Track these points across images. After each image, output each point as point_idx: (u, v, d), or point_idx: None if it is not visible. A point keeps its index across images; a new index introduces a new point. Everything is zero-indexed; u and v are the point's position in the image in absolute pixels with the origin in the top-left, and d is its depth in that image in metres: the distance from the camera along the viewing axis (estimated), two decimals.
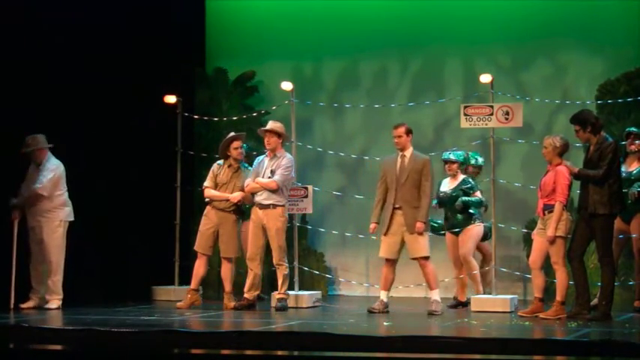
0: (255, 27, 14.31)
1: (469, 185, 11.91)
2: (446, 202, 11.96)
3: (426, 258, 11.08)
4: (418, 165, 11.07)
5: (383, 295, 11.21)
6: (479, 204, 11.92)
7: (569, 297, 10.90)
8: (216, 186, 11.77)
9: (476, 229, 11.90)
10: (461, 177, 11.97)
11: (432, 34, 13.73)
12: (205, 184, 11.84)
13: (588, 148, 10.61)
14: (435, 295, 11.05)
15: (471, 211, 11.86)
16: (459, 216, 11.88)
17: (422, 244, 11.06)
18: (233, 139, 11.77)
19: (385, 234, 11.15)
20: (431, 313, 10.90)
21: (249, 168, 11.87)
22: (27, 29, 12.02)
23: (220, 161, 11.88)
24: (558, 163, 10.56)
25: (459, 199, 11.83)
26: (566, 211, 10.55)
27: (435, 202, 11.93)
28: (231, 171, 11.77)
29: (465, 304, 11.81)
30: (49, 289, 11.47)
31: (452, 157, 11.97)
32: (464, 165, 12.01)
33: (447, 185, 12.03)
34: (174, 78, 13.44)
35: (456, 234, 11.97)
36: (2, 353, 8.68)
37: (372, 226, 11.27)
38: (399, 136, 11.15)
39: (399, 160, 11.17)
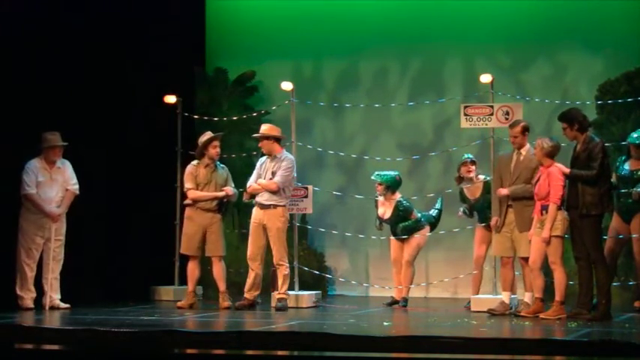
0: (255, 27, 14.29)
1: (403, 209, 11.99)
2: (389, 224, 12.10)
3: None
4: (533, 163, 10.90)
5: (505, 297, 11.04)
6: (418, 222, 12.00)
7: (569, 297, 10.89)
8: (197, 187, 11.83)
9: (421, 234, 12.02)
10: (395, 198, 12.02)
11: (432, 34, 13.72)
12: (188, 186, 11.89)
13: (575, 147, 10.62)
14: (528, 297, 10.87)
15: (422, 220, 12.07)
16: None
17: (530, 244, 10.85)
18: (213, 138, 11.83)
19: (499, 232, 11.02)
20: (515, 314, 10.77)
21: (223, 165, 11.95)
22: (27, 29, 12.01)
23: (194, 162, 11.94)
24: (549, 165, 10.55)
25: (399, 227, 11.96)
26: (563, 210, 10.53)
27: (377, 222, 12.18)
28: (209, 170, 11.84)
29: (398, 302, 11.95)
30: (53, 287, 11.48)
31: (374, 178, 12.09)
32: (390, 189, 12.03)
33: (382, 206, 12.10)
34: (174, 78, 13.43)
35: (402, 240, 12.06)
36: (3, 353, 8.68)
37: (495, 219, 11.06)
38: (515, 137, 11.00)
39: (515, 157, 11.04)
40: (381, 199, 12.15)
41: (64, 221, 11.63)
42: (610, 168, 10.81)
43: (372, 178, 12.17)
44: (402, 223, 11.97)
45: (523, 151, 11.04)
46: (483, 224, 11.74)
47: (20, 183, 11.43)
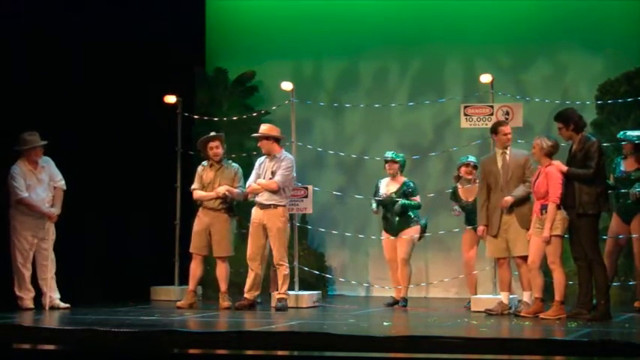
0: (255, 27, 14.30)
1: (410, 189, 12.00)
2: (386, 204, 12.05)
3: (526, 257, 10.82)
4: (520, 160, 10.97)
5: (503, 297, 11.04)
6: (417, 207, 12.00)
7: (569, 297, 10.89)
8: (203, 187, 11.84)
9: (413, 231, 11.98)
10: (402, 179, 12.04)
11: (432, 34, 13.73)
12: (193, 186, 11.98)
13: (571, 147, 10.63)
14: (526, 296, 10.87)
15: (409, 213, 11.98)
16: (397, 218, 11.97)
17: (526, 243, 10.79)
18: (209, 139, 11.85)
19: (495, 235, 10.98)
20: (516, 314, 10.77)
21: (234, 165, 11.94)
22: (27, 29, 12.01)
23: (205, 162, 11.97)
24: (548, 164, 10.55)
25: (399, 202, 11.92)
26: (562, 210, 10.52)
27: (374, 205, 12.10)
28: (213, 170, 11.87)
29: (398, 302, 11.96)
30: (52, 287, 11.47)
31: (392, 156, 12.04)
32: (402, 168, 12.06)
33: (386, 186, 12.10)
34: (174, 78, 13.44)
35: (394, 236, 12.02)
36: (2, 353, 8.68)
37: (481, 228, 11.05)
38: (510, 133, 11.05)
39: (500, 158, 11.06)
40: (386, 179, 12.11)
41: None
42: (606, 168, 10.81)
43: (388, 155, 12.08)
44: (403, 200, 11.94)
45: (507, 151, 11.06)
46: (472, 227, 11.76)
47: (9, 189, 11.33)
